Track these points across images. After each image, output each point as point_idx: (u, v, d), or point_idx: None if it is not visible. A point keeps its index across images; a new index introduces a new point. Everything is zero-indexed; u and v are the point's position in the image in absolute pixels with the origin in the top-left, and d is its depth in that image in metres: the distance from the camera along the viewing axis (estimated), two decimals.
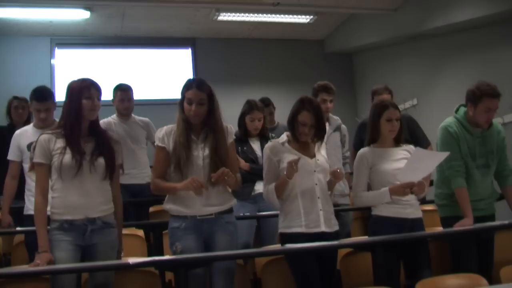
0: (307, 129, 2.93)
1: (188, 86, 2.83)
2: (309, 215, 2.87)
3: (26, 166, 3.50)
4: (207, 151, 2.79)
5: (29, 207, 3.53)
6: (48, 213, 2.70)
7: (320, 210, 2.88)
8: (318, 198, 2.89)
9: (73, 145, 2.67)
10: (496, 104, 3.19)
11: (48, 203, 2.69)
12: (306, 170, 2.90)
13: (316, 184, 2.91)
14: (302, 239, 2.82)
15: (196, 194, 2.68)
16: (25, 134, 3.66)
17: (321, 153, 3.01)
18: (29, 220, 3.48)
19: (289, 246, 2.80)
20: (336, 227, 2.96)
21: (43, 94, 3.63)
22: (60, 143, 2.68)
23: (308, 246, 2.76)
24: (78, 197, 2.66)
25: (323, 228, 2.86)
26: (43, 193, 2.68)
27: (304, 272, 2.83)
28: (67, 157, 2.65)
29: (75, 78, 2.81)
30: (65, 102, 2.75)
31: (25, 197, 3.65)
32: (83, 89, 2.70)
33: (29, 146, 3.54)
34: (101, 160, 2.72)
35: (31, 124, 3.75)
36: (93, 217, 2.67)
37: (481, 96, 3.17)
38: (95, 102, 2.73)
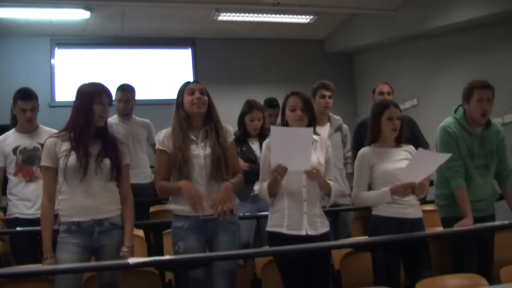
0: (297, 115, 2.90)
1: (185, 83, 2.91)
2: (292, 217, 2.84)
3: (11, 170, 3.53)
4: (208, 150, 2.80)
5: (14, 210, 3.54)
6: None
7: (305, 213, 2.84)
8: (305, 200, 2.85)
9: (79, 147, 2.66)
10: (488, 94, 3.21)
11: (55, 206, 2.70)
12: (294, 171, 2.83)
13: (304, 186, 2.86)
14: (283, 240, 2.80)
15: (191, 208, 2.69)
16: (7, 139, 3.60)
17: (316, 154, 2.92)
18: (12, 223, 3.51)
19: (289, 247, 2.77)
20: (323, 230, 2.88)
21: (29, 93, 3.57)
22: (65, 145, 2.68)
23: (307, 246, 2.75)
24: (84, 199, 2.65)
25: (305, 231, 2.82)
26: (49, 197, 2.68)
27: (288, 274, 2.82)
28: (72, 159, 2.64)
29: (86, 82, 2.80)
30: (74, 104, 2.73)
31: (8, 202, 3.61)
32: (95, 95, 2.69)
33: (14, 151, 3.54)
34: (106, 162, 2.71)
35: (13, 129, 3.66)
36: (100, 218, 2.67)
37: (471, 89, 3.24)
38: (106, 108, 2.72)
